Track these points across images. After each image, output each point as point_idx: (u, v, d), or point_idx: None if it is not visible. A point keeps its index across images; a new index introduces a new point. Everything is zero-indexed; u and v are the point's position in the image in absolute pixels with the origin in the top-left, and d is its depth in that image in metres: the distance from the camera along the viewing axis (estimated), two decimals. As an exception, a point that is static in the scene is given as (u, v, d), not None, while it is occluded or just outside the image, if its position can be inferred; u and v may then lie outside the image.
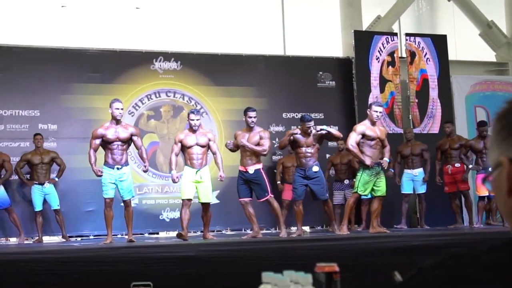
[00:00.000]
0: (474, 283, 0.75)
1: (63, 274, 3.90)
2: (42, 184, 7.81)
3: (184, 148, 6.82)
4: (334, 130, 7.03)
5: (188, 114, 6.98)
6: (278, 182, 8.73)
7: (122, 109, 6.62)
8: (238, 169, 7.01)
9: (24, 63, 8.51)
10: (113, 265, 4.69)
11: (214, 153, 6.93)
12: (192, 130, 6.81)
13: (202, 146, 6.79)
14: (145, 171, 6.76)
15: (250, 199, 6.93)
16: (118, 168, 6.48)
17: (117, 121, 6.56)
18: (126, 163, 6.62)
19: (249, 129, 6.93)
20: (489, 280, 0.75)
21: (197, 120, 6.80)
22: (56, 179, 7.95)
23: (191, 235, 7.76)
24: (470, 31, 11.05)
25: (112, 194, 6.51)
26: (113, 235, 7.02)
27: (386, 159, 7.01)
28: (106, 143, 6.53)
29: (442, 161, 8.71)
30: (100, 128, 6.63)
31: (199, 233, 8.52)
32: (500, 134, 0.86)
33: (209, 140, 6.88)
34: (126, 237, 6.80)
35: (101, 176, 6.50)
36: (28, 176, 7.96)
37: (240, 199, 6.94)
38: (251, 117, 6.89)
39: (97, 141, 6.54)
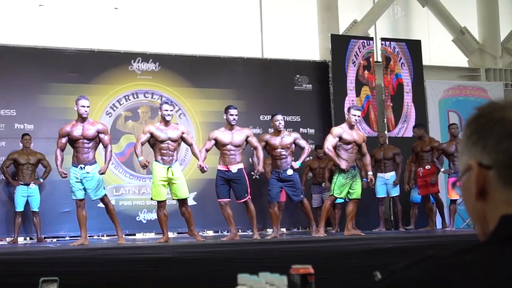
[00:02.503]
0: (445, 284, 0.78)
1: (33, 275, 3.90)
2: (27, 184, 7.74)
3: (154, 142, 6.41)
4: (305, 154, 7.05)
5: (161, 105, 6.56)
6: None
7: (88, 106, 6.24)
8: (215, 171, 6.93)
9: (0, 62, 8.43)
10: (89, 267, 4.70)
11: (190, 145, 6.58)
12: (165, 122, 6.40)
13: (174, 141, 6.40)
14: (101, 173, 6.25)
15: (230, 200, 6.76)
16: (81, 168, 6.17)
17: (83, 118, 6.24)
18: (92, 162, 6.25)
19: (230, 127, 6.76)
20: (459, 281, 0.77)
21: (170, 111, 6.46)
22: (41, 180, 7.89)
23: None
24: (444, 37, 11.27)
25: (81, 195, 6.21)
26: (89, 236, 6.96)
27: (370, 173, 7.04)
28: (72, 142, 6.24)
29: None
30: (67, 126, 6.30)
31: (175, 234, 8.53)
32: (470, 138, 0.88)
33: (182, 133, 6.47)
34: (103, 238, 6.73)
35: (65, 177, 6.24)
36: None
37: (220, 200, 6.70)
38: (232, 115, 6.71)
39: (63, 140, 6.23)
